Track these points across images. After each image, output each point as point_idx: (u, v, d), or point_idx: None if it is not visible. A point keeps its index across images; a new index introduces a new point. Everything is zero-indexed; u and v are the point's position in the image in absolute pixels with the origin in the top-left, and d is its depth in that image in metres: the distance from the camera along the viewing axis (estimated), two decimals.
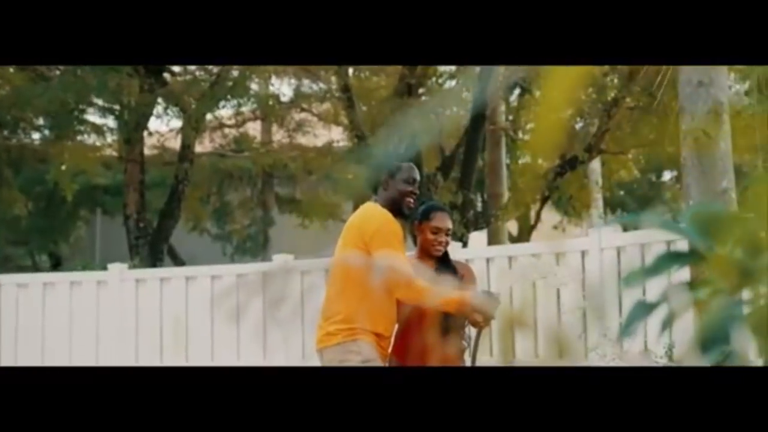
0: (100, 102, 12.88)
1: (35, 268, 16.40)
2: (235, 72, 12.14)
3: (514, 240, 16.56)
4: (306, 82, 14.19)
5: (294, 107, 14.73)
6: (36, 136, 14.90)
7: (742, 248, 1.35)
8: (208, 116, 13.74)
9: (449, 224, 4.49)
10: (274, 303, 8.51)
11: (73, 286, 9.19)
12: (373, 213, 4.29)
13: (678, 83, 6.61)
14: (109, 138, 14.48)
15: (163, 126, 15.29)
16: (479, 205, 15.04)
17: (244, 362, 8.53)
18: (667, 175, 19.17)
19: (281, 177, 17.26)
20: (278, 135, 15.82)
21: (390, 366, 4.33)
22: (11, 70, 12.37)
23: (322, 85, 13.89)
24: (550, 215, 17.30)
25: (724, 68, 6.63)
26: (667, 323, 1.41)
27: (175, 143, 14.01)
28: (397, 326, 4.37)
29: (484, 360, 4.63)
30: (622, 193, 19.31)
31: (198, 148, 14.14)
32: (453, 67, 13.44)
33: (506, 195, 14.31)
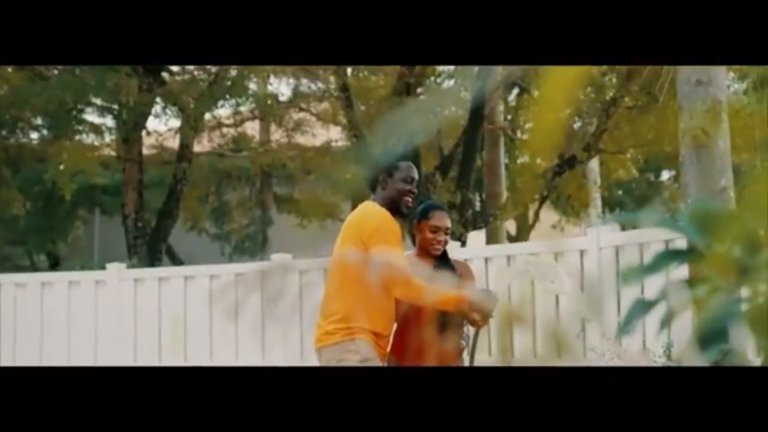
0: (98, 101, 12.87)
1: (33, 268, 16.40)
2: (233, 72, 12.14)
3: (512, 239, 16.57)
4: (304, 81, 14.18)
5: (292, 107, 14.73)
6: (34, 135, 14.90)
7: (741, 246, 1.35)
8: (207, 116, 13.73)
9: (448, 223, 4.49)
10: (272, 300, 8.51)
11: (71, 285, 9.18)
12: (372, 212, 4.28)
13: (677, 82, 6.61)
14: (108, 138, 14.48)
15: (162, 125, 15.26)
16: (478, 205, 15.05)
17: (243, 361, 8.53)
18: (665, 175, 19.18)
19: (280, 177, 17.26)
20: (277, 135, 15.82)
21: (388, 365, 4.33)
22: (9, 69, 12.36)
23: (320, 84, 13.89)
24: (548, 215, 17.32)
25: (722, 67, 6.63)
26: (666, 321, 1.41)
27: (174, 143, 14.01)
28: (395, 325, 4.37)
29: (483, 359, 4.63)
30: (620, 192, 19.32)
31: (196, 148, 14.14)
32: (451, 67, 13.43)
33: (505, 194, 14.31)
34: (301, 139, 15.29)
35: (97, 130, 14.02)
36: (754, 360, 1.61)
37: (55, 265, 16.72)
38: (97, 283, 9.10)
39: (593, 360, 6.39)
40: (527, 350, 7.14)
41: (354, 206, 4.71)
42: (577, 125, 12.66)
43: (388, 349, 4.34)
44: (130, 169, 12.74)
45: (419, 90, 13.47)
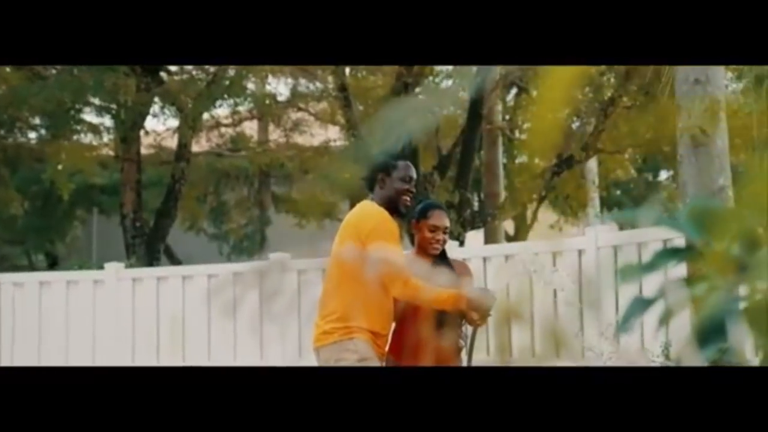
0: (96, 101, 12.86)
1: (32, 268, 16.38)
2: (231, 71, 12.14)
3: (510, 239, 16.58)
4: (303, 81, 14.18)
5: (291, 106, 14.73)
6: (32, 135, 14.89)
7: (739, 244, 1.35)
8: (205, 115, 13.73)
9: (447, 222, 4.49)
10: (270, 297, 8.52)
11: (69, 285, 9.18)
12: (370, 211, 4.28)
13: (675, 81, 6.62)
14: (106, 137, 14.47)
15: (160, 125, 15.25)
16: (476, 205, 15.05)
17: (241, 360, 8.53)
18: (663, 175, 19.19)
19: (278, 176, 17.26)
20: (275, 134, 15.82)
21: (387, 365, 4.32)
22: (7, 69, 12.35)
23: (318, 84, 13.88)
24: (546, 215, 17.33)
25: (720, 66, 6.64)
26: (664, 319, 1.41)
27: (172, 142, 14.00)
28: (394, 324, 4.37)
29: (481, 358, 4.63)
30: (618, 192, 19.33)
31: (195, 148, 14.14)
32: (450, 67, 13.44)
33: (503, 194, 14.31)
34: (299, 138, 15.29)
35: (95, 129, 14.01)
36: (753, 358, 1.61)
37: (53, 264, 16.71)
38: (96, 283, 9.10)
39: (591, 359, 6.40)
40: (526, 349, 7.14)
41: (352, 206, 4.70)
42: (575, 125, 12.67)
43: (386, 348, 4.34)
44: (128, 169, 12.73)
45: (417, 90, 13.46)
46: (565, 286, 5.93)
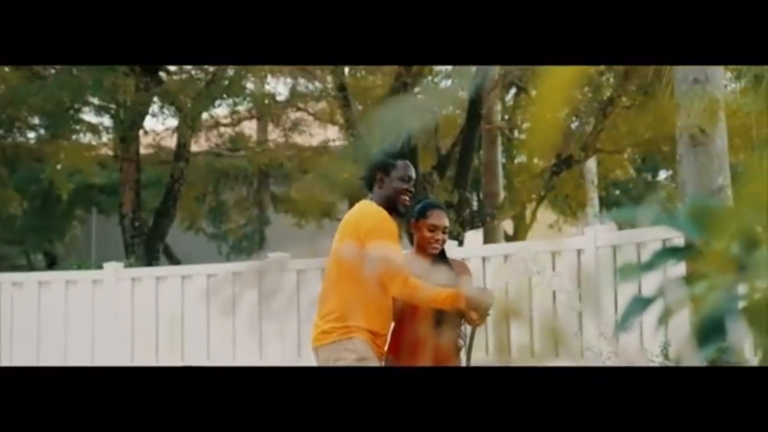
0: (95, 101, 12.86)
1: (30, 268, 16.38)
2: (230, 71, 12.13)
3: (509, 239, 16.57)
4: (302, 81, 14.18)
5: (290, 106, 14.72)
6: (31, 135, 14.88)
7: (739, 242, 1.35)
8: (204, 115, 13.72)
9: (446, 222, 4.49)
10: (269, 295, 8.52)
11: (68, 284, 9.18)
12: (369, 211, 4.28)
13: (674, 80, 6.62)
14: (105, 137, 14.46)
15: (159, 125, 15.24)
16: (475, 204, 15.05)
17: (240, 359, 8.53)
18: (662, 174, 19.20)
19: (277, 176, 17.26)
20: (274, 134, 15.82)
21: (386, 364, 4.32)
22: (6, 69, 12.34)
23: (318, 84, 13.88)
24: (545, 214, 17.32)
25: (719, 66, 6.64)
26: (663, 318, 1.41)
27: (171, 142, 14.00)
28: (392, 324, 4.37)
29: (480, 358, 4.63)
30: (617, 192, 19.34)
31: (194, 147, 14.13)
32: (449, 67, 13.44)
33: (502, 194, 14.31)
34: (298, 138, 15.29)
35: (94, 129, 14.00)
36: (752, 357, 1.61)
37: (52, 264, 16.70)
38: (95, 283, 9.10)
39: (590, 359, 6.40)
40: (524, 348, 7.14)
41: (351, 205, 4.70)
42: (574, 125, 12.67)
43: (385, 348, 4.34)
44: (127, 169, 12.73)
45: (417, 89, 13.47)
46: (565, 288, 5.94)
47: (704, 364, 1.64)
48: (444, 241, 4.49)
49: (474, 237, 14.41)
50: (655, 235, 6.36)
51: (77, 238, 18.03)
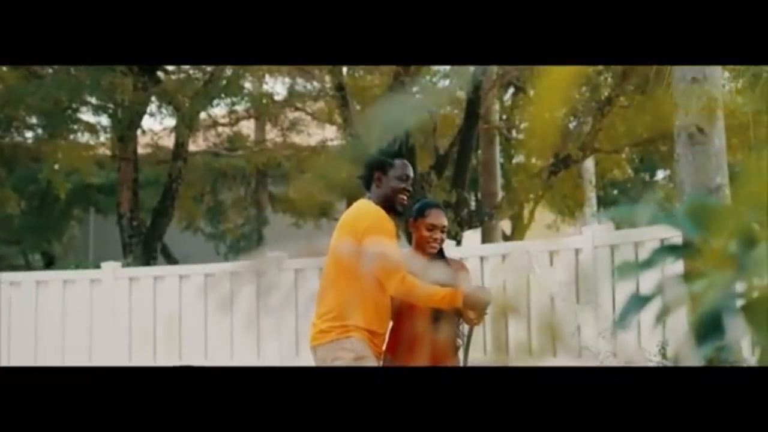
0: (93, 100, 12.84)
1: (28, 267, 16.37)
2: (228, 71, 12.13)
3: (507, 239, 16.57)
4: (300, 80, 14.16)
5: (288, 106, 14.71)
6: (29, 134, 14.87)
7: (737, 240, 1.35)
8: (202, 115, 13.71)
9: (444, 221, 4.49)
10: (266, 291, 8.52)
11: (66, 284, 9.17)
12: (367, 210, 4.28)
13: (672, 79, 6.61)
14: (103, 137, 14.45)
15: (157, 124, 15.26)
16: (473, 204, 15.05)
17: (238, 358, 8.53)
18: (660, 174, 19.21)
19: (275, 176, 17.25)
20: (272, 134, 15.80)
21: (384, 364, 4.32)
22: (4, 68, 12.33)
23: (316, 83, 13.87)
24: (543, 214, 17.33)
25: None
26: (662, 316, 1.41)
27: (169, 142, 13.99)
28: (391, 323, 4.37)
29: (478, 358, 4.63)
30: (615, 192, 19.35)
31: (192, 147, 14.13)
32: (447, 66, 13.43)
33: (500, 194, 14.31)
34: (296, 138, 15.28)
35: (92, 129, 13.99)
36: (749, 355, 1.61)
37: (50, 264, 16.69)
38: (92, 282, 9.09)
39: (588, 358, 6.40)
40: (523, 347, 7.15)
41: (349, 205, 4.70)
42: (572, 124, 12.67)
43: (384, 347, 4.34)
44: (125, 168, 12.72)
45: (415, 89, 13.47)
46: (562, 284, 5.95)
47: (702, 362, 1.64)
48: (442, 241, 4.49)
49: (472, 237, 14.41)
50: (653, 235, 6.36)
51: (75, 237, 18.02)
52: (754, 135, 8.00)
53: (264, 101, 13.84)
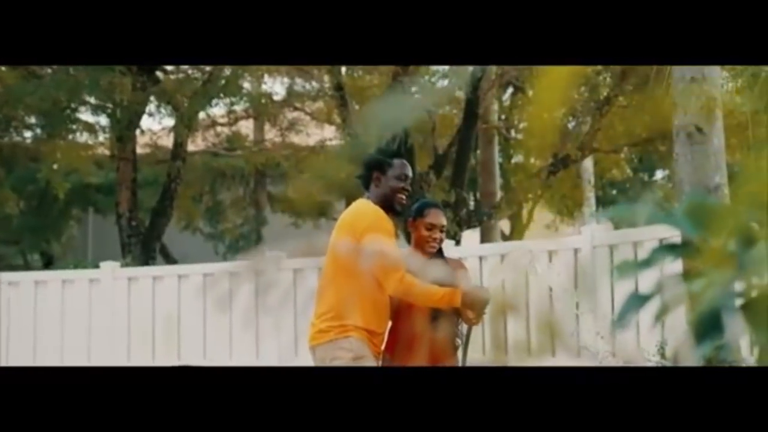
0: (92, 100, 12.84)
1: (27, 268, 16.35)
2: (227, 71, 12.12)
3: (506, 238, 16.58)
4: (299, 80, 14.16)
5: (287, 106, 14.70)
6: (28, 134, 14.86)
7: (736, 240, 1.35)
8: (201, 115, 13.71)
9: (443, 221, 4.49)
10: (264, 289, 8.52)
11: (65, 284, 9.17)
12: (366, 209, 4.28)
13: (671, 79, 6.62)
14: (102, 136, 14.44)
15: (156, 124, 15.28)
16: (472, 204, 15.05)
17: (237, 357, 8.53)
18: (659, 174, 19.22)
19: (274, 176, 17.24)
20: (271, 134, 15.80)
21: (383, 363, 4.32)
22: (3, 68, 12.32)
23: (314, 83, 13.87)
24: (542, 214, 17.33)
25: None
26: (661, 315, 1.41)
27: (168, 141, 13.99)
28: (390, 323, 4.37)
29: (476, 358, 4.63)
30: (614, 192, 19.35)
31: (190, 147, 14.12)
32: (446, 66, 13.43)
33: (499, 193, 14.31)
34: (295, 138, 15.27)
35: (90, 128, 13.98)
36: (748, 355, 1.61)
37: (48, 264, 16.68)
38: (91, 282, 9.09)
39: (587, 357, 6.40)
40: (522, 346, 7.14)
41: (348, 205, 4.70)
42: (571, 124, 12.67)
43: (383, 347, 4.34)
44: (123, 168, 12.72)
45: (414, 89, 13.46)
46: (560, 281, 5.95)
47: (701, 361, 1.64)
48: (441, 240, 4.49)
49: (471, 236, 14.42)
50: (651, 234, 6.36)
51: (74, 237, 18.01)
52: (753, 135, 8.00)
53: (263, 101, 13.83)
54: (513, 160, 17.12)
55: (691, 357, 1.41)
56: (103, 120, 13.79)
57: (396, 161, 4.40)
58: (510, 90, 15.60)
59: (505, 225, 17.33)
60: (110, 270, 9.09)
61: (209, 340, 8.73)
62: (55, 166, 13.27)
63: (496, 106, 15.11)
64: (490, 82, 12.52)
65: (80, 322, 9.02)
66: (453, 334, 4.40)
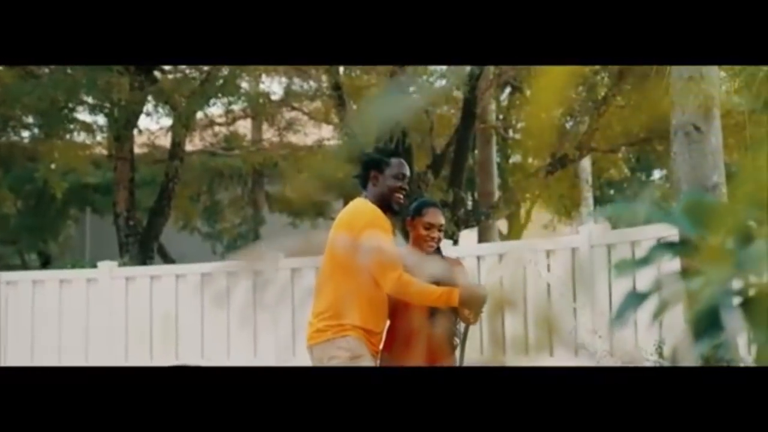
0: (89, 100, 12.83)
1: (24, 267, 16.34)
2: (225, 70, 12.11)
3: (504, 238, 16.58)
4: (296, 80, 14.16)
5: (284, 105, 14.70)
6: (25, 134, 14.84)
7: (734, 238, 1.35)
8: (199, 114, 13.70)
9: (442, 220, 4.49)
10: (262, 286, 8.53)
11: (62, 284, 9.16)
12: (363, 208, 4.28)
13: (669, 78, 6.61)
14: (99, 136, 14.43)
15: (153, 124, 15.25)
16: (470, 204, 15.05)
17: (235, 357, 8.53)
18: (657, 174, 19.23)
19: (272, 175, 17.24)
20: (269, 133, 15.79)
21: (381, 363, 4.32)
22: (1, 68, 12.31)
23: (312, 83, 13.86)
24: (540, 214, 17.33)
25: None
26: (658, 313, 1.41)
27: (165, 141, 13.98)
28: (388, 322, 4.37)
29: (475, 358, 4.63)
30: (612, 191, 19.36)
31: (188, 147, 14.11)
32: (444, 66, 13.43)
33: (497, 193, 14.32)
34: (293, 137, 15.26)
35: (88, 128, 13.96)
36: (746, 353, 1.61)
37: (46, 263, 16.67)
38: (89, 282, 9.08)
39: (585, 356, 6.40)
40: (520, 342, 7.15)
41: (346, 204, 4.70)
42: (569, 124, 12.67)
43: (381, 346, 4.33)
44: (121, 168, 12.71)
45: (412, 89, 13.46)
46: (559, 279, 5.95)
47: (699, 360, 1.64)
48: (440, 240, 4.49)
49: (469, 236, 14.42)
50: (649, 234, 6.36)
51: (71, 237, 18.00)
52: (751, 134, 8.01)
53: (261, 101, 13.83)
54: (511, 160, 17.13)
55: (690, 355, 1.42)
56: (101, 120, 13.78)
57: (393, 160, 4.40)
58: (508, 90, 15.60)
59: (503, 225, 17.34)
60: (108, 270, 9.09)
61: (207, 339, 8.73)
62: (52, 166, 13.26)
63: (493, 106, 15.11)
64: (488, 81, 12.52)
65: (78, 321, 9.01)
66: (451, 333, 4.40)
